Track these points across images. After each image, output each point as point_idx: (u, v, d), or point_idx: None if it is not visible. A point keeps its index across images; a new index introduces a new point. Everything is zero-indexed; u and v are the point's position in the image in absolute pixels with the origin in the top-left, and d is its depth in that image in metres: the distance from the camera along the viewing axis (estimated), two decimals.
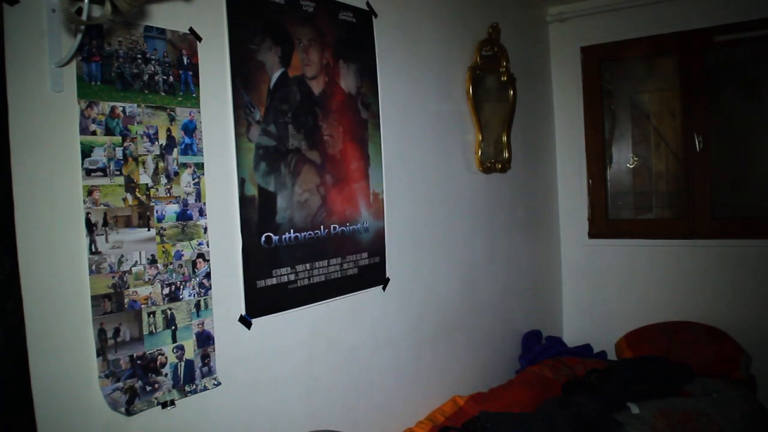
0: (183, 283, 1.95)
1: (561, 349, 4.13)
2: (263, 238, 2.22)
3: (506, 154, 3.76)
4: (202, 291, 2.01)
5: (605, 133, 4.62)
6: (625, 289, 4.47)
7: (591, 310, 4.61)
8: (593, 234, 4.61)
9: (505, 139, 3.76)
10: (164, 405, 1.88)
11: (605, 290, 4.55)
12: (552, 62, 4.66)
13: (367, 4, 2.73)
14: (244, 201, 2.15)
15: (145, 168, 1.85)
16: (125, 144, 1.80)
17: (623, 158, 4.71)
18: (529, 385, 3.37)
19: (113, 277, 1.76)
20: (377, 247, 2.75)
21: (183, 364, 1.94)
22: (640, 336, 4.08)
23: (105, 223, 1.74)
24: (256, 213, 2.19)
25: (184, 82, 1.97)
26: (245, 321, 2.16)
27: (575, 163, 4.63)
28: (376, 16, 2.77)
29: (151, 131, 1.87)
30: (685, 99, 4.26)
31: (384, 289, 2.81)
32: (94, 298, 1.71)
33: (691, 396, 3.29)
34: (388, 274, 2.82)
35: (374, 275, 2.75)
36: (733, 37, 4.14)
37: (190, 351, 1.96)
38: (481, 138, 3.51)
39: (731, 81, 4.35)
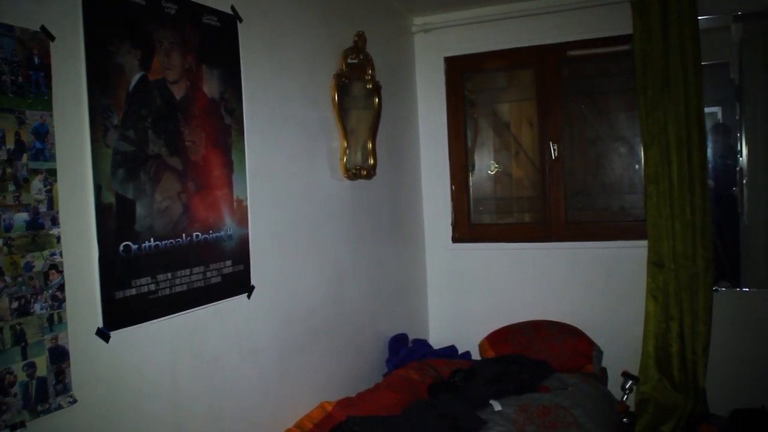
0: (34, 296, 1.84)
1: (427, 351, 4.23)
2: (122, 247, 2.13)
3: (371, 161, 3.81)
4: (56, 304, 1.90)
5: (468, 141, 4.80)
6: (487, 291, 4.66)
7: (455, 312, 4.76)
8: (456, 238, 4.77)
9: (370, 146, 3.81)
10: (13, 427, 1.76)
11: (469, 292, 4.72)
12: (417, 71, 4.78)
13: (232, 8, 2.69)
14: (101, 209, 2.06)
15: None
16: None
17: (485, 165, 4.90)
18: (395, 388, 3.43)
19: None
20: (241, 254, 2.71)
21: (35, 382, 1.83)
22: (501, 336, 4.26)
23: None
24: (114, 221, 2.11)
25: (34, 83, 1.86)
26: (103, 334, 2.07)
27: (439, 169, 4.77)
28: (241, 21, 2.73)
29: None
30: (542, 109, 4.53)
31: (249, 296, 2.78)
32: None
33: (549, 390, 3.48)
34: (252, 282, 2.79)
35: (238, 283, 2.71)
36: (583, 52, 4.44)
37: (43, 368, 1.86)
38: (346, 145, 3.55)
39: (583, 93, 4.65)
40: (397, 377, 3.63)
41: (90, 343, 2.03)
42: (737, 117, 4.22)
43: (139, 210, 2.20)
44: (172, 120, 2.36)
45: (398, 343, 4.16)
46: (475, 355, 4.43)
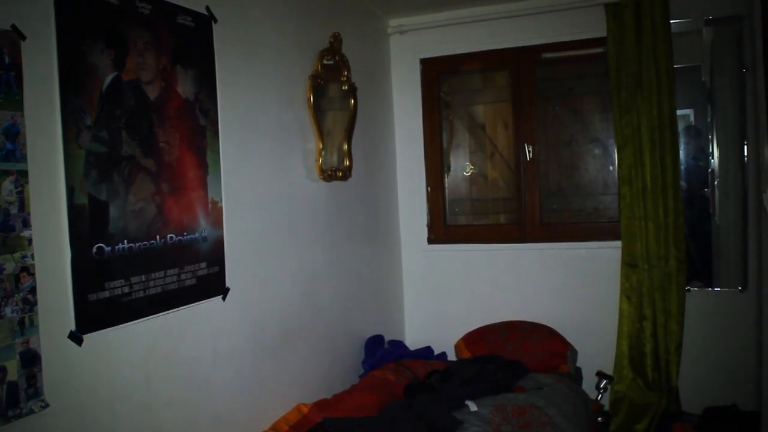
0: (5, 299, 1.81)
1: (403, 352, 4.24)
2: (95, 249, 2.11)
3: (347, 162, 3.80)
4: (27, 307, 1.88)
5: (443, 142, 4.81)
6: (462, 291, 4.68)
7: (431, 313, 4.77)
8: (432, 240, 4.79)
9: (345, 147, 3.81)
10: None
11: (444, 293, 4.73)
12: (393, 73, 4.79)
13: (207, 8, 2.67)
14: (74, 210, 2.04)
15: None
16: None
17: (460, 167, 4.92)
18: (371, 389, 3.43)
19: None
20: (216, 256, 2.70)
21: (5, 387, 1.80)
22: (477, 336, 4.28)
23: None
24: (87, 223, 2.08)
25: (5, 83, 1.83)
26: (75, 337, 2.04)
27: (415, 171, 4.79)
28: (216, 21, 2.72)
29: None
30: (516, 111, 4.56)
31: (224, 298, 2.76)
32: None
33: (524, 391, 3.49)
34: (228, 284, 2.77)
35: (213, 285, 2.70)
36: (558, 54, 4.48)
37: (14, 372, 1.83)
38: (322, 146, 3.54)
39: (558, 95, 4.69)
40: (373, 379, 3.63)
41: (62, 346, 2.01)
42: (709, 119, 4.27)
43: (113, 212, 2.18)
44: (146, 121, 2.33)
45: (374, 344, 4.16)
46: (451, 356, 4.45)
